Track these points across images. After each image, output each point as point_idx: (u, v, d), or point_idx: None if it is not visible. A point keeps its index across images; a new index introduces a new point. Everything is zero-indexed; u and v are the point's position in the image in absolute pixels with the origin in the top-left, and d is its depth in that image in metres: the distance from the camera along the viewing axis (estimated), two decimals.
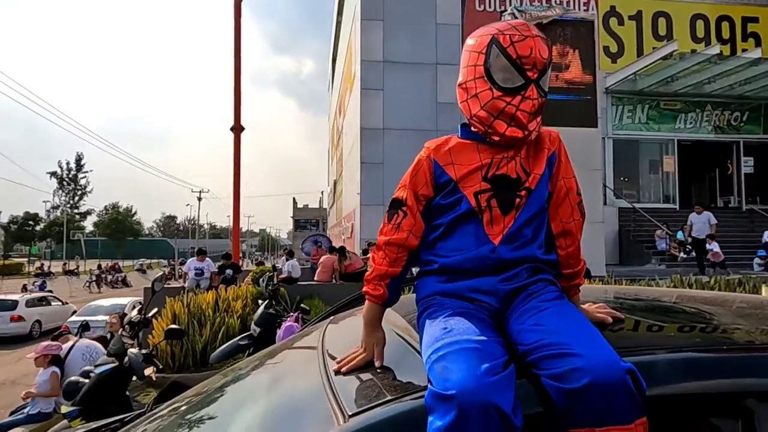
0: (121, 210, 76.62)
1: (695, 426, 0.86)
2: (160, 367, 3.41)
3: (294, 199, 68.73)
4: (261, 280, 7.40)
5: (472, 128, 1.14)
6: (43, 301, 17.62)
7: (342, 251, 11.70)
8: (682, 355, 0.91)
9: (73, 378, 3.61)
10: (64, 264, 43.78)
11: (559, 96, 12.42)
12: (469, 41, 1.14)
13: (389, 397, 0.83)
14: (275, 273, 8.52)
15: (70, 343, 5.11)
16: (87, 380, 3.46)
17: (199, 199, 54.28)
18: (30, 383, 5.80)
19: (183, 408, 1.30)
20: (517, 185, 1.08)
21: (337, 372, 1.02)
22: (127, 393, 3.59)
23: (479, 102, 1.10)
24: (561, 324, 0.92)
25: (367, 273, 1.16)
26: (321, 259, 11.45)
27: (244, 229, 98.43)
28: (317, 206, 69.39)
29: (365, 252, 14.47)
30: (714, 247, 12.52)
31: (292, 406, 1.03)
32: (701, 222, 12.27)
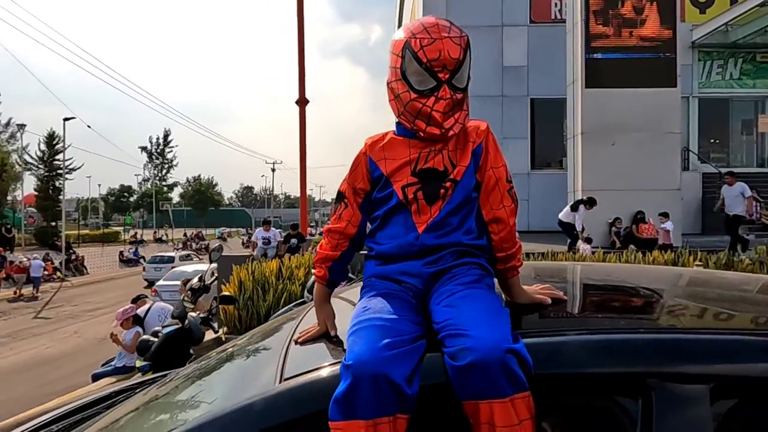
0: (203, 182, 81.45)
1: (597, 404, 0.90)
2: (216, 329, 3.78)
3: None
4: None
5: (403, 125, 1.21)
6: (186, 259, 21.27)
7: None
8: (587, 337, 0.95)
9: (144, 337, 4.09)
10: (155, 232, 47.67)
11: (633, 54, 11.57)
12: (393, 40, 1.18)
13: (315, 366, 0.95)
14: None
15: (147, 306, 5.72)
16: (156, 339, 3.90)
17: (273, 170, 56.61)
18: None
19: (190, 370, 1.50)
20: (443, 177, 1.15)
21: (296, 342, 1.16)
22: (191, 350, 4.02)
23: (401, 103, 1.16)
24: (465, 306, 0.99)
25: (314, 257, 1.28)
26: None
27: (316, 199, 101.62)
28: None
29: None
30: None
31: (253, 368, 1.18)
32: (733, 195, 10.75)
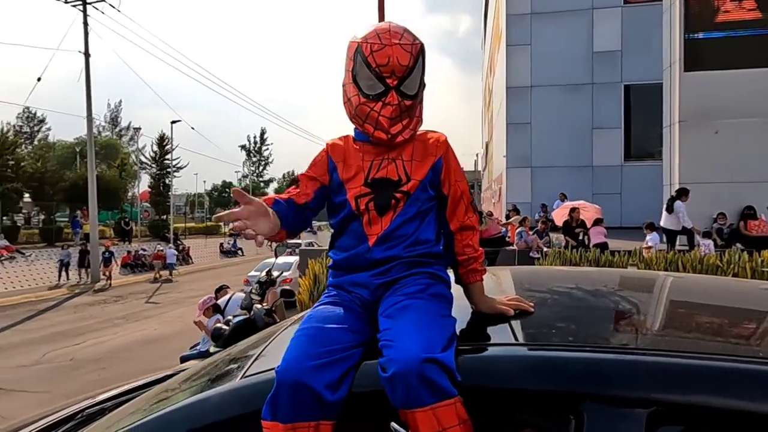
0: (296, 177, 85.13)
1: (529, 422, 0.88)
2: (277, 320, 4.03)
3: None
4: None
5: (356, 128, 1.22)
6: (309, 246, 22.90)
7: (480, 216, 11.64)
8: (522, 351, 0.93)
9: (218, 325, 4.47)
10: None
11: (740, 32, 10.38)
12: (349, 42, 1.19)
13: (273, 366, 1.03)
14: None
15: (228, 296, 6.21)
16: (227, 327, 4.24)
17: None
18: None
19: (190, 369, 1.64)
20: (395, 186, 1.15)
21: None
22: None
23: (352, 106, 1.18)
24: (400, 317, 1.01)
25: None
26: None
27: None
28: (472, 169, 68.92)
29: (507, 216, 14.16)
30: None
31: (232, 366, 1.28)
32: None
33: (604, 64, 16.81)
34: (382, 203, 1.15)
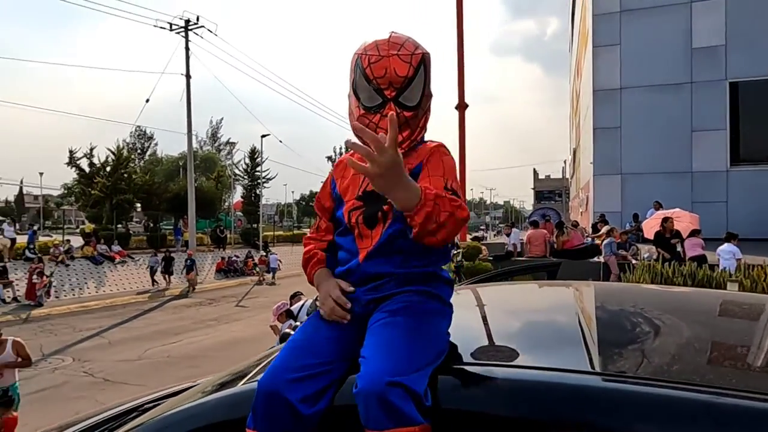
0: None
1: None
2: None
3: (534, 170, 66.84)
4: (454, 256, 7.76)
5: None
6: None
7: (560, 226, 11.14)
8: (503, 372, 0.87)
9: (286, 330, 4.64)
10: None
11: None
12: (353, 55, 1.17)
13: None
14: (461, 250, 8.74)
15: (301, 302, 6.42)
16: (293, 332, 4.39)
17: None
18: None
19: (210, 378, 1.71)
20: (383, 199, 1.09)
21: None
22: None
23: (354, 117, 1.17)
24: (378, 334, 0.99)
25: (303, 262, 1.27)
26: (528, 234, 11.17)
27: (487, 201, 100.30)
28: (560, 176, 66.01)
29: (594, 227, 13.39)
30: None
31: (243, 370, 1.31)
32: None
33: (705, 60, 15.42)
34: (369, 215, 1.12)
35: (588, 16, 18.19)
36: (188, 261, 20.82)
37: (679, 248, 9.46)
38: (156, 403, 1.75)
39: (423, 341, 0.98)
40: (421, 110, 1.15)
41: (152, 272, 20.64)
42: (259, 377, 1.01)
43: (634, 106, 15.83)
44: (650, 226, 10.30)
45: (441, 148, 1.17)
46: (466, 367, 0.95)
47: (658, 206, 12.63)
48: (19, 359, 5.19)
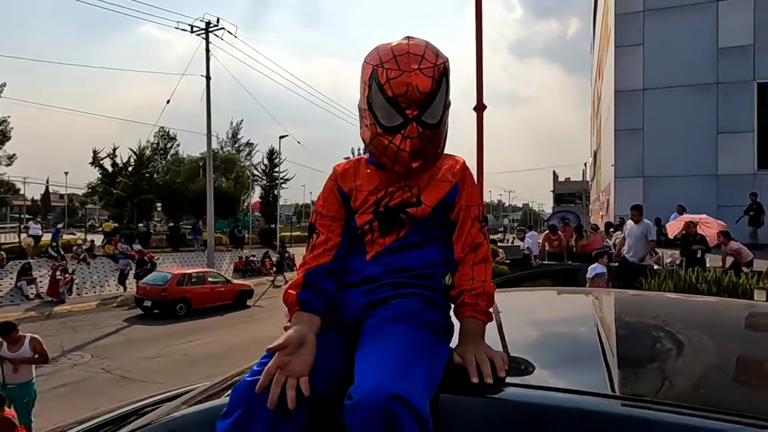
0: None
1: None
2: None
3: (554, 172, 66.03)
4: None
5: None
6: None
7: (579, 230, 10.94)
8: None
9: None
10: None
11: None
12: (363, 62, 1.06)
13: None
14: None
15: None
16: None
17: None
18: None
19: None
20: (404, 211, 1.08)
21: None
22: None
23: (369, 134, 1.08)
24: (377, 342, 0.93)
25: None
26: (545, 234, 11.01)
27: (506, 204, 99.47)
28: (580, 179, 65.05)
29: (616, 228, 13.11)
30: None
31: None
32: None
33: (732, 61, 15.01)
34: (388, 225, 1.09)
35: (610, 16, 17.87)
36: (148, 265, 17.88)
37: (701, 254, 9.18)
38: (156, 406, 1.73)
39: (427, 355, 0.92)
40: (443, 125, 1.07)
41: (122, 276, 18.13)
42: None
43: (657, 108, 15.48)
44: (674, 229, 10.05)
45: (468, 170, 1.15)
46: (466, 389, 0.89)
47: (682, 210, 12.33)
48: (36, 356, 5.26)
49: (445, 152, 1.14)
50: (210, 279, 15.82)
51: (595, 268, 7.45)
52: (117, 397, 7.48)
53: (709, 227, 9.68)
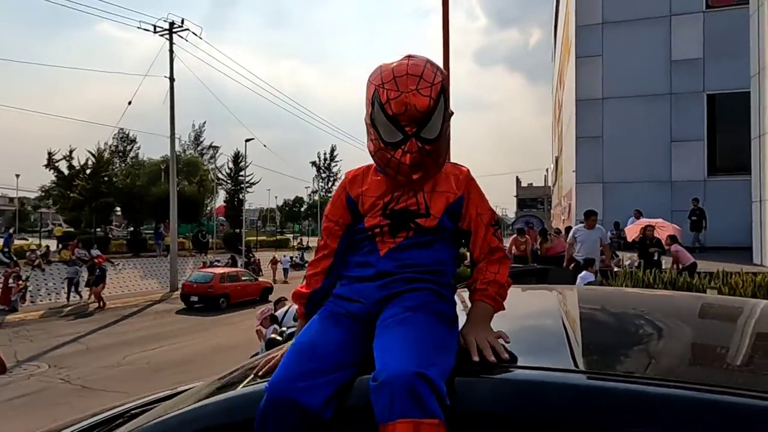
0: None
1: None
2: None
3: (517, 177, 67.53)
4: None
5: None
6: None
7: (543, 233, 11.27)
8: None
9: (272, 336, 4.61)
10: (318, 240, 52.18)
11: None
12: (369, 78, 1.15)
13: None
14: None
15: (285, 308, 6.38)
16: (281, 338, 4.36)
17: None
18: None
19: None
20: (413, 217, 1.15)
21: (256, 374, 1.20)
22: None
23: (373, 148, 1.17)
24: (396, 329, 1.00)
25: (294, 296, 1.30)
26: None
27: None
28: (542, 184, 66.78)
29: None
30: None
31: (245, 372, 1.30)
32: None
33: (684, 73, 15.80)
34: (397, 228, 1.16)
35: (571, 28, 18.51)
36: (97, 270, 17.10)
37: (657, 257, 9.62)
38: (144, 408, 1.72)
39: (441, 341, 1.00)
40: (442, 139, 1.14)
41: (71, 284, 17.40)
42: (264, 382, 1.00)
43: (615, 116, 16.12)
44: (633, 232, 10.49)
45: (473, 180, 1.22)
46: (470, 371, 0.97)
47: (639, 214, 12.87)
48: None
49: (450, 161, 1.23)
50: (243, 278, 18.73)
51: (585, 277, 7.51)
52: (78, 408, 7.21)
53: (665, 230, 10.15)
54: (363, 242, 1.20)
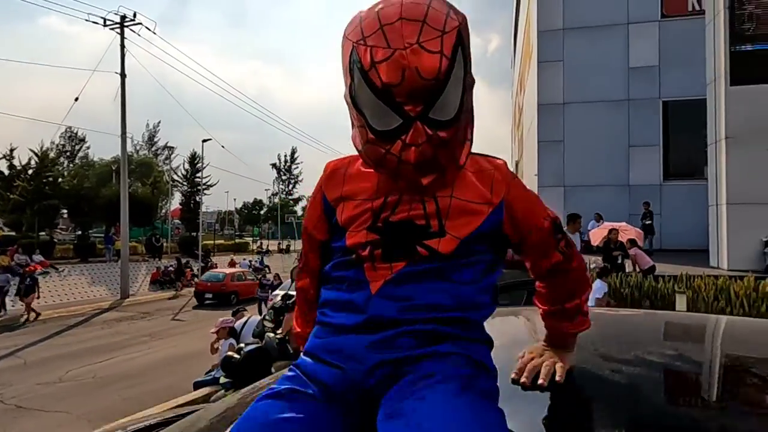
0: None
1: None
2: (291, 350, 3.74)
3: None
4: None
5: None
6: None
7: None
8: None
9: (228, 353, 4.20)
10: (279, 243, 51.16)
11: None
12: (342, 36, 0.73)
13: None
14: None
15: (244, 319, 5.95)
16: (238, 356, 3.96)
17: None
18: None
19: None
20: (419, 236, 0.75)
21: None
22: (273, 368, 4.02)
23: (360, 140, 0.76)
24: (428, 425, 0.61)
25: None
26: None
27: None
28: None
29: None
30: None
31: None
32: None
33: (640, 79, 16.20)
34: (391, 250, 0.76)
35: (533, 33, 18.72)
36: (28, 279, 15.74)
37: (621, 260, 9.72)
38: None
39: None
40: (463, 120, 0.73)
41: (2, 294, 15.95)
42: None
43: (576, 121, 16.36)
44: (598, 236, 10.56)
45: (515, 178, 0.81)
46: None
47: (599, 218, 13.05)
48: None
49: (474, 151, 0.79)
50: (248, 277, 20.71)
51: (601, 288, 6.94)
52: (12, 431, 6.54)
53: (627, 234, 10.27)
54: (344, 270, 0.79)
